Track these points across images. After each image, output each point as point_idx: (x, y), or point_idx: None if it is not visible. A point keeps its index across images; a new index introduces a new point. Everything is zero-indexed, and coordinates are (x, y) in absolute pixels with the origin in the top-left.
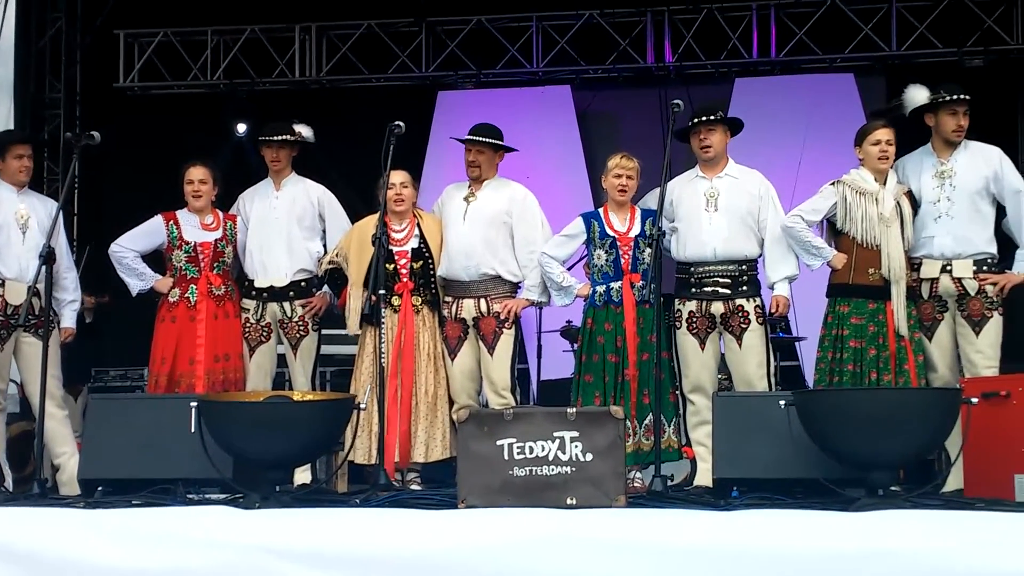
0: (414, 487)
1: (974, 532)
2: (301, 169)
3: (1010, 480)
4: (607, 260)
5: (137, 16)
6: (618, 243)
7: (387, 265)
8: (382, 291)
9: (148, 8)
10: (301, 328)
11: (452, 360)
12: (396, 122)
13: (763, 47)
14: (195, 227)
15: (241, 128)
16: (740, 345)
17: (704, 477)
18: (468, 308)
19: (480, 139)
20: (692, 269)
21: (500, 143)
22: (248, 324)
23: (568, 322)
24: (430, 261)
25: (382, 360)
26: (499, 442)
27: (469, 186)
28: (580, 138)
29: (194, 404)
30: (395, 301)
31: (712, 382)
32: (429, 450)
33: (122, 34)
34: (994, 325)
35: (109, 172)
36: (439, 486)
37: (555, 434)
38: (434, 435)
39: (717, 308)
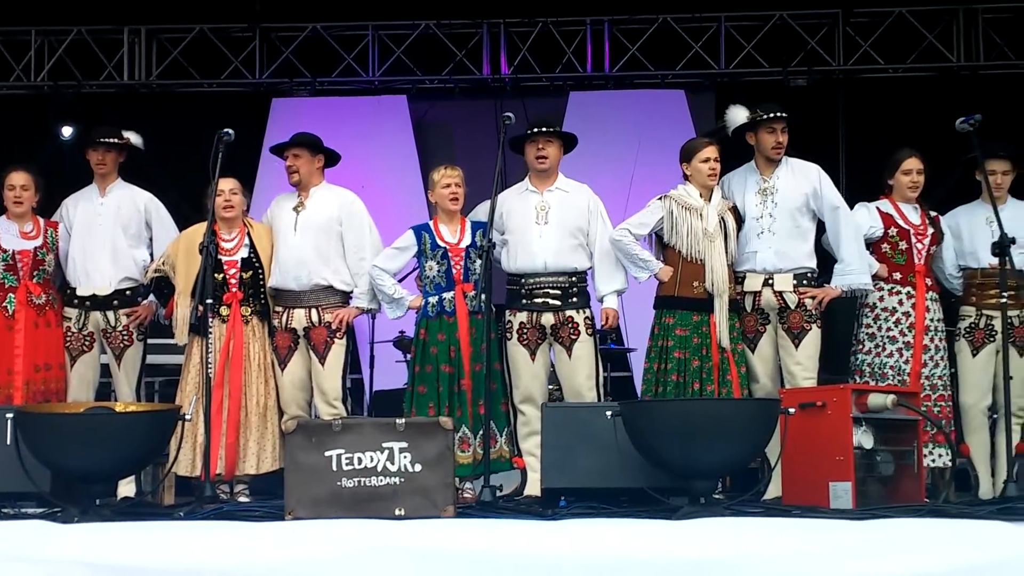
0: (242, 499)
1: (790, 539)
2: (130, 175)
3: (825, 487)
4: (439, 271)
5: None
6: (449, 254)
7: (216, 274)
8: (210, 301)
9: None
10: (125, 338)
11: (282, 370)
12: (225, 129)
13: (597, 62)
14: (14, 235)
15: (66, 131)
16: (570, 356)
17: (534, 487)
18: (299, 318)
19: (296, 144)
20: (523, 280)
21: (317, 147)
22: (70, 333)
23: (401, 332)
24: (260, 271)
25: (209, 370)
26: (327, 453)
27: (298, 195)
28: (416, 148)
29: (10, 415)
30: (223, 311)
31: (542, 393)
32: (260, 461)
33: None
34: (813, 337)
35: None
36: (270, 498)
37: (384, 445)
38: (265, 446)
39: (548, 319)
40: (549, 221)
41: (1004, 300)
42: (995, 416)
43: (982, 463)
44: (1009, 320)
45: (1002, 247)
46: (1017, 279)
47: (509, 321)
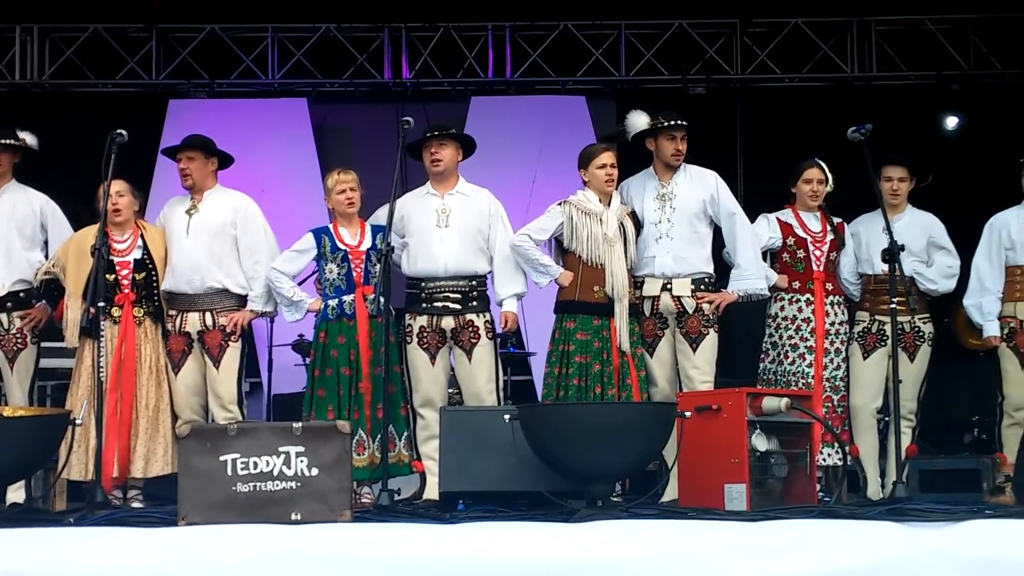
0: (135, 504)
1: (685, 541)
2: (23, 176)
3: (720, 490)
4: (339, 274)
5: None
6: (350, 257)
7: (108, 276)
8: (101, 303)
9: None
10: (19, 341)
11: (176, 374)
12: (118, 130)
13: (499, 67)
14: None
15: None
16: (470, 360)
17: (433, 491)
18: (193, 321)
19: (188, 146)
20: (423, 284)
21: (211, 149)
22: None
23: (300, 336)
24: (153, 273)
25: (100, 374)
26: (222, 457)
27: (191, 198)
28: (316, 152)
29: None
30: (115, 313)
31: (442, 396)
32: (149, 465)
33: None
34: (710, 342)
35: None
36: (164, 503)
37: (280, 449)
38: (155, 450)
39: (448, 323)
40: (450, 225)
41: (893, 306)
42: (887, 419)
43: (871, 464)
44: (900, 326)
45: (891, 254)
46: (907, 286)
47: (409, 325)
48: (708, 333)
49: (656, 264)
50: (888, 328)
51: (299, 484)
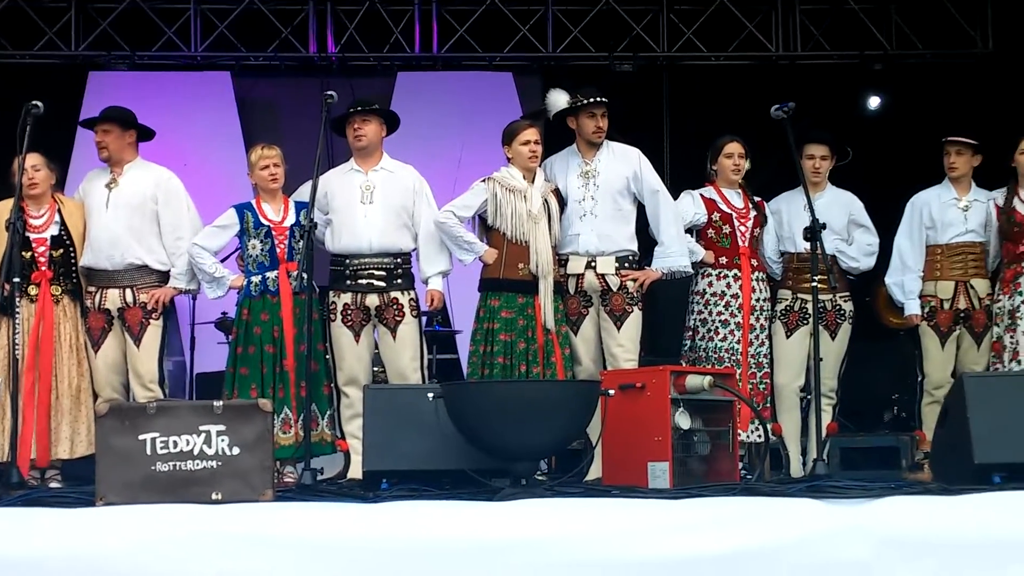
0: (54, 485)
1: (608, 519)
2: None
3: (644, 468)
4: (262, 250)
5: None
6: (273, 233)
7: (24, 253)
8: (17, 279)
9: None
10: None
11: (96, 352)
12: (33, 102)
13: (425, 43)
14: None
15: None
16: (394, 338)
17: (357, 470)
18: (113, 298)
19: (105, 118)
20: (347, 261)
21: (129, 122)
22: None
23: (224, 314)
24: (71, 249)
25: (16, 353)
26: (141, 436)
27: (110, 172)
28: (240, 126)
29: None
30: (32, 291)
31: (367, 375)
32: (74, 446)
33: None
34: (634, 320)
35: None
36: (84, 483)
37: (201, 428)
38: (79, 430)
39: (372, 301)
40: (374, 201)
41: (815, 284)
42: (808, 396)
43: (792, 441)
44: (821, 304)
45: (812, 232)
46: (828, 264)
47: (333, 302)
48: (632, 311)
49: (580, 242)
50: (810, 306)
51: (220, 463)
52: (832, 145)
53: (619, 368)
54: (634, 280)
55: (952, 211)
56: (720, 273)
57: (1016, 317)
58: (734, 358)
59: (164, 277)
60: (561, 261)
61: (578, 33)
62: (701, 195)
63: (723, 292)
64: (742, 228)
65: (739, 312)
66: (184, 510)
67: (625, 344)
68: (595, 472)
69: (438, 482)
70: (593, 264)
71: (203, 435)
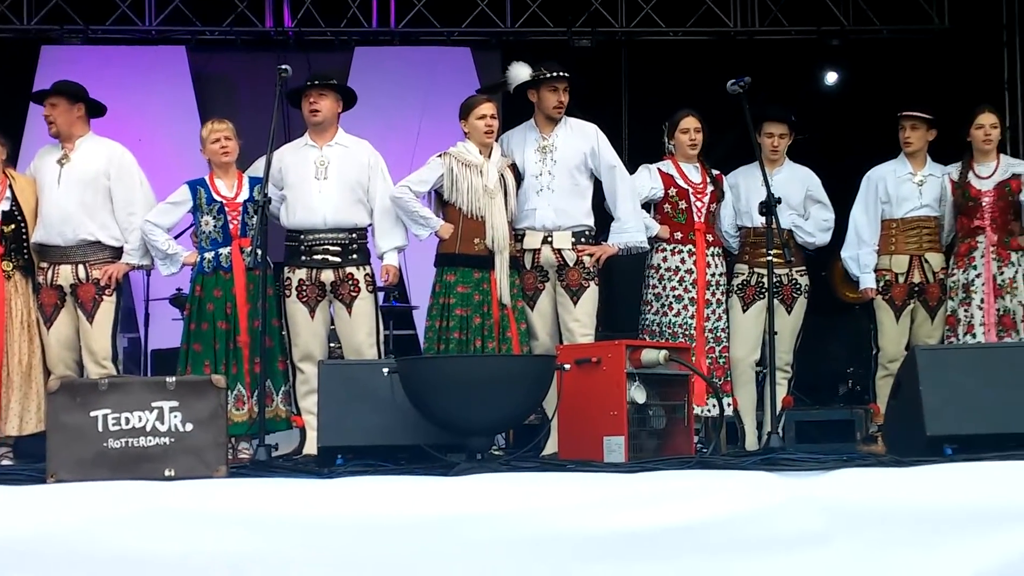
0: (5, 462)
1: (564, 493)
2: None
3: (600, 442)
4: (215, 226)
5: None
6: (226, 209)
7: None
8: None
9: None
10: None
11: (48, 329)
12: None
13: (383, 17)
14: None
15: None
16: (350, 313)
17: (313, 446)
18: (65, 274)
19: (53, 92)
20: (302, 237)
21: (77, 96)
22: None
23: (178, 290)
24: (23, 225)
25: None
26: (93, 413)
27: (62, 147)
28: (196, 101)
29: None
30: None
31: (322, 350)
32: (23, 423)
33: None
34: (590, 295)
35: None
36: (36, 461)
37: (153, 404)
38: (28, 407)
39: (328, 276)
40: (329, 176)
41: (771, 258)
42: (765, 370)
43: (748, 415)
44: (777, 278)
45: (768, 207)
46: (784, 239)
47: (288, 278)
48: (589, 286)
49: (537, 217)
50: (766, 280)
51: (173, 440)
52: (790, 123)
53: (576, 343)
54: (590, 255)
55: (907, 186)
56: (675, 248)
57: (970, 291)
58: (688, 333)
59: (117, 253)
60: (517, 236)
61: (536, 8)
62: (659, 169)
63: (677, 267)
64: (698, 204)
65: (693, 287)
66: (136, 487)
67: (581, 319)
68: (552, 447)
69: (393, 457)
70: (550, 239)
71: (156, 411)
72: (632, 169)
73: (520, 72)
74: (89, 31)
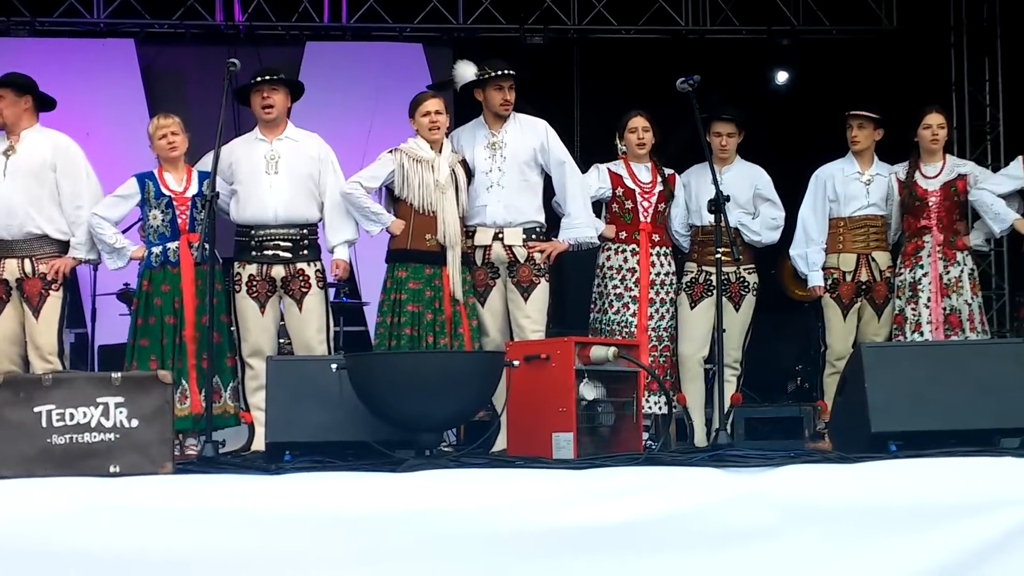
0: None
1: (512, 489)
2: None
3: (549, 439)
4: (163, 220)
5: None
6: (175, 203)
7: None
8: None
9: None
10: None
11: None
12: None
13: (334, 12)
14: None
15: None
16: (300, 309)
17: (261, 442)
18: (11, 269)
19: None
20: (252, 232)
21: (23, 87)
22: None
23: (126, 285)
24: None
25: None
26: (36, 409)
27: (7, 139)
28: (145, 95)
29: None
30: None
31: (272, 346)
32: None
33: None
34: (541, 291)
35: None
36: None
37: (99, 400)
38: None
39: (278, 272)
40: (280, 171)
41: (718, 256)
42: (713, 368)
43: (697, 412)
44: (725, 276)
45: (717, 205)
46: (732, 237)
47: (238, 273)
48: (539, 283)
49: (487, 213)
50: (715, 278)
51: (118, 436)
52: (739, 122)
53: (526, 339)
54: (541, 251)
55: (855, 184)
56: (618, 248)
57: (917, 289)
58: (627, 331)
59: (64, 247)
60: (468, 232)
61: (488, 5)
62: (609, 169)
63: (620, 266)
64: (645, 204)
65: (635, 286)
66: (81, 484)
67: (532, 315)
68: (501, 443)
69: (342, 454)
70: (500, 235)
71: (101, 407)
72: (584, 167)
73: (465, 71)
74: (36, 23)
